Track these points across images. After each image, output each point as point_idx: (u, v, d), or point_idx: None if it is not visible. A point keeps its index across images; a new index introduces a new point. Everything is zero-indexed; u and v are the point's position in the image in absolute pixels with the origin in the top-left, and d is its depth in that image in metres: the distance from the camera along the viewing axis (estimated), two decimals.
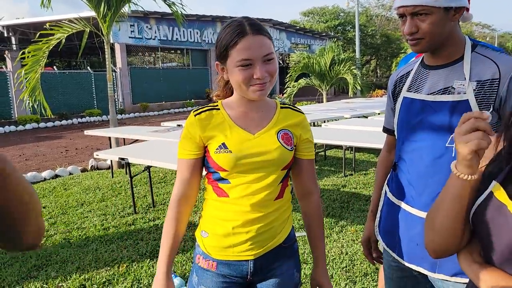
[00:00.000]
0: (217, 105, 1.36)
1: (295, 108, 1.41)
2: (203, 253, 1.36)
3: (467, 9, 1.24)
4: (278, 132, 1.32)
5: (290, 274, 1.39)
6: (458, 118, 1.19)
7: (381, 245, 1.52)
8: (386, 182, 1.51)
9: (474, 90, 1.19)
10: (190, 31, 20.30)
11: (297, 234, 1.47)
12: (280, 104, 1.40)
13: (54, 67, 20.14)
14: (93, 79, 17.07)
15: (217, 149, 1.28)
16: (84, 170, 6.86)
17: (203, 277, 1.35)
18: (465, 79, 1.21)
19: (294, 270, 1.41)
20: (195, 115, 1.32)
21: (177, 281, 2.85)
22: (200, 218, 1.45)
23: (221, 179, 1.31)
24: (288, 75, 13.13)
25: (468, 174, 0.86)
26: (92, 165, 6.97)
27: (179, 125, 6.87)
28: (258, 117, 1.33)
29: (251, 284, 1.38)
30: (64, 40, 6.64)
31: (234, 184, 1.29)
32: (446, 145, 1.22)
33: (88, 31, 6.71)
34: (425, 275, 1.35)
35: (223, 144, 1.27)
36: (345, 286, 2.79)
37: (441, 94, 1.25)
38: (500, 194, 0.88)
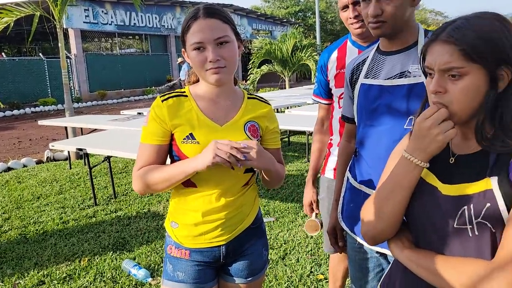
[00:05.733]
0: (184, 92, 1.34)
1: (262, 99, 1.42)
2: (175, 243, 1.37)
3: None
4: (245, 124, 1.33)
5: (259, 253, 1.44)
6: (415, 100, 1.23)
7: (345, 229, 1.55)
8: (348, 169, 1.52)
9: None
10: (149, 16, 19.70)
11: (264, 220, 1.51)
12: (247, 94, 1.41)
13: (3, 53, 19.00)
14: (46, 67, 16.25)
15: (184, 139, 1.26)
16: (39, 162, 6.55)
17: (177, 264, 1.37)
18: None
19: (263, 249, 1.46)
20: (162, 101, 1.29)
21: (142, 272, 2.79)
22: (164, 208, 1.42)
23: None
24: (250, 62, 13.06)
25: (425, 162, 0.91)
26: (48, 157, 6.67)
27: (139, 113, 6.69)
28: (225, 107, 1.33)
29: (224, 265, 1.42)
30: (12, 25, 6.25)
31: (201, 174, 1.28)
32: (405, 127, 1.26)
33: (39, 15, 6.34)
34: (385, 255, 1.41)
35: (191, 134, 1.26)
36: (311, 269, 2.84)
37: (398, 78, 1.27)
38: (430, 178, 0.94)
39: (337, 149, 1.91)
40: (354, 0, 1.66)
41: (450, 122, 0.86)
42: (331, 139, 1.98)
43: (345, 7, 1.72)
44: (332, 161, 1.94)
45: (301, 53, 12.54)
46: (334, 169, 1.93)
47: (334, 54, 1.86)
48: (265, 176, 1.38)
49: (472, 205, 0.83)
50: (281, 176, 1.41)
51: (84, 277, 2.85)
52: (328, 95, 1.94)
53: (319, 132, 2.05)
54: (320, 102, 2.00)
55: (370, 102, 1.33)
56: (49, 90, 16.35)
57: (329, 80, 1.88)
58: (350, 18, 1.70)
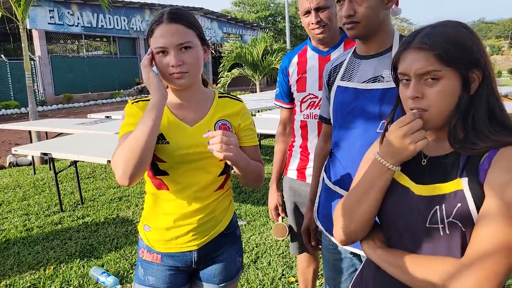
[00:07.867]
0: None
1: (233, 97, 1.41)
2: (147, 247, 1.37)
3: (397, 2, 1.28)
4: (216, 123, 1.32)
5: (232, 259, 1.44)
6: (388, 105, 1.25)
7: (320, 229, 1.56)
8: (323, 169, 1.54)
9: None
10: (117, 18, 19.34)
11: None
12: (219, 94, 1.40)
13: None
14: (8, 69, 15.65)
15: None
16: (1, 168, 6.30)
17: (149, 269, 1.36)
18: None
19: (236, 255, 1.45)
20: (132, 103, 1.31)
21: (110, 279, 2.73)
22: (133, 213, 1.39)
23: (160, 171, 1.30)
24: (221, 65, 13.04)
25: (396, 165, 0.94)
26: (10, 162, 6.42)
27: (107, 117, 6.55)
28: (195, 108, 1.33)
29: (196, 270, 1.41)
30: None
31: (173, 176, 1.29)
32: (377, 130, 1.28)
33: (0, 15, 6.11)
34: (358, 256, 1.43)
35: (161, 135, 1.26)
36: (282, 271, 2.85)
37: (371, 82, 1.29)
38: (402, 179, 0.97)
39: (299, 151, 1.94)
40: (317, 6, 1.68)
41: (422, 132, 0.88)
42: (293, 141, 2.00)
43: (307, 12, 1.72)
44: (294, 162, 1.96)
45: (272, 57, 12.62)
46: (297, 170, 1.95)
47: (295, 59, 1.88)
48: (239, 173, 1.32)
49: (444, 205, 0.86)
50: (259, 174, 1.38)
51: (50, 286, 2.75)
52: (290, 99, 1.95)
53: (281, 135, 2.07)
54: (282, 107, 2.02)
55: (346, 104, 1.35)
56: (11, 92, 15.76)
57: (290, 85, 1.90)
58: (312, 23, 1.72)
